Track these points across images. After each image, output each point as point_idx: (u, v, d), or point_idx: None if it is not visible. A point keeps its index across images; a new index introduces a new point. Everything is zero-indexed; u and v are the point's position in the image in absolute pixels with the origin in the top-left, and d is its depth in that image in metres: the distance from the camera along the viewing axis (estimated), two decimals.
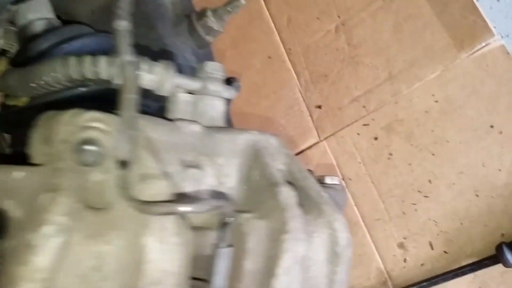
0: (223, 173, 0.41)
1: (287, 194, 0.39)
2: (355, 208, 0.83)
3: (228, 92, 0.47)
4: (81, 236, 0.29)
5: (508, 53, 0.73)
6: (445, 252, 0.75)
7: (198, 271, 0.36)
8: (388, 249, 0.79)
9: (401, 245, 0.79)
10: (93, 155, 0.31)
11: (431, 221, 0.76)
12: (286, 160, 0.45)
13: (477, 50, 0.75)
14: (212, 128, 0.45)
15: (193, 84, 0.44)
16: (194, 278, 0.36)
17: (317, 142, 0.87)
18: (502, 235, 0.71)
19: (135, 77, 0.36)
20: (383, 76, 0.82)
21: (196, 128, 0.43)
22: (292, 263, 0.36)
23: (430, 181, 0.77)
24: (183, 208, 0.31)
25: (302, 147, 0.88)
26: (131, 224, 0.31)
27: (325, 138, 0.86)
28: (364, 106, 0.83)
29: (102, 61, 0.36)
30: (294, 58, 0.91)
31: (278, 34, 0.93)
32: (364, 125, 0.83)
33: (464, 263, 0.72)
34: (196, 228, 0.37)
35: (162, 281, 0.30)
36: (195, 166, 0.39)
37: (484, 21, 0.74)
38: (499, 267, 0.70)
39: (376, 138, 0.82)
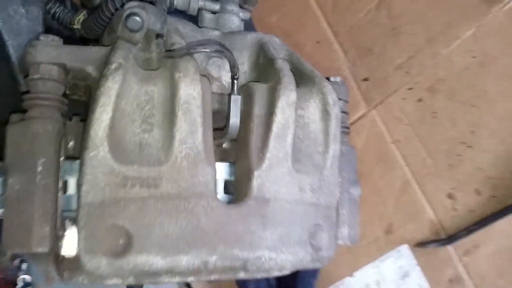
0: (238, 62, 0.57)
1: (282, 63, 0.56)
2: (406, 168, 0.94)
3: (242, 13, 0.66)
4: (136, 79, 0.47)
5: None
6: (492, 196, 0.84)
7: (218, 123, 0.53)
8: (438, 201, 0.90)
9: (450, 196, 0.88)
10: (136, 23, 0.49)
11: (477, 169, 0.86)
12: (286, 53, 0.61)
13: (507, 3, 0.85)
14: (228, 32, 0.63)
15: (214, 5, 0.63)
16: (215, 129, 0.53)
17: (366, 112, 1.00)
18: None
19: None
20: (422, 41, 0.94)
21: (216, 32, 0.62)
22: (286, 105, 0.52)
23: (473, 132, 0.87)
24: (195, 49, 0.48)
25: (353, 119, 1.01)
26: (167, 71, 0.48)
27: (374, 107, 0.99)
28: (407, 72, 0.95)
29: None
30: (341, 38, 1.06)
31: (325, 19, 1.09)
32: (409, 89, 0.95)
33: None
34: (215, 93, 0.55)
35: (189, 100, 0.47)
36: (217, 56, 0.56)
37: None
38: None
39: (420, 100, 0.94)
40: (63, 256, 0.45)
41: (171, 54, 0.49)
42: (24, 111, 0.47)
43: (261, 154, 0.51)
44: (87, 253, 0.43)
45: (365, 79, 1.01)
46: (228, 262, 0.47)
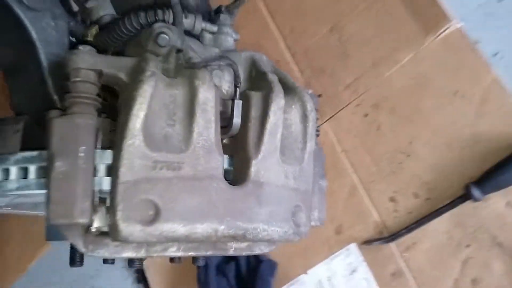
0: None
1: (272, 76, 0.66)
2: (353, 174, 1.06)
3: (234, 34, 0.77)
4: (163, 84, 0.55)
5: (464, 34, 0.98)
6: (427, 199, 0.97)
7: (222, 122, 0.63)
8: (382, 204, 1.01)
9: (392, 199, 1.01)
10: (165, 40, 0.59)
11: (414, 176, 0.98)
12: (272, 68, 0.72)
13: (440, 34, 0.99)
14: (225, 50, 0.73)
15: (213, 27, 0.74)
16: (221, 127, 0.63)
17: (320, 125, 1.11)
18: (471, 177, 0.92)
19: (180, 11, 0.65)
20: (368, 63, 1.07)
21: (216, 50, 0.72)
22: (277, 109, 0.62)
23: (411, 143, 1.00)
24: (213, 62, 0.59)
25: None
26: (187, 78, 0.57)
27: (326, 120, 1.11)
28: (355, 90, 1.08)
29: (159, 11, 0.66)
30: (298, 59, 1.17)
31: (284, 41, 1.20)
32: (357, 105, 1.08)
33: None
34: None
35: (206, 102, 0.56)
36: (218, 69, 0.66)
37: (444, 11, 0.99)
38: (470, 204, 0.91)
39: (366, 115, 1.06)
40: (90, 231, 0.53)
41: (191, 66, 0.58)
42: (56, 107, 0.56)
43: (257, 147, 0.61)
44: (124, 221, 0.50)
45: (319, 96, 1.12)
46: (232, 231, 0.56)
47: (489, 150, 0.93)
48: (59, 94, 0.59)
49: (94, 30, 0.68)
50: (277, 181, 0.62)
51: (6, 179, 0.53)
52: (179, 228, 0.53)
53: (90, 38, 0.68)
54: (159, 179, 0.53)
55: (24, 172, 0.54)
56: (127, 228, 0.50)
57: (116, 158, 0.52)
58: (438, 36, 0.99)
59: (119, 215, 0.51)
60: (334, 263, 1.05)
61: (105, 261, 0.71)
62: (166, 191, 0.53)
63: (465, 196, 0.91)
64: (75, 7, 0.69)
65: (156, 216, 0.52)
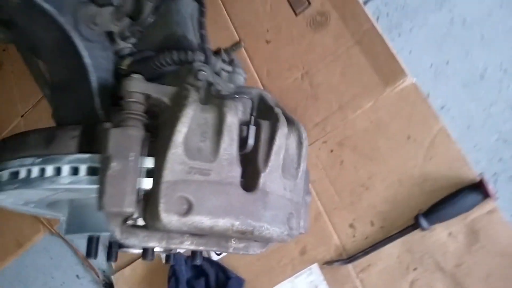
0: (247, 107, 0.80)
1: (278, 109, 0.78)
2: (318, 202, 1.19)
3: (243, 73, 0.91)
4: (200, 109, 0.67)
5: (417, 88, 1.15)
6: (382, 227, 1.11)
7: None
8: (342, 229, 1.15)
9: (351, 225, 1.14)
10: (203, 75, 0.71)
11: (371, 206, 1.13)
12: (276, 103, 0.85)
13: (397, 86, 1.16)
14: (238, 86, 0.86)
15: (228, 68, 0.88)
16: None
17: None
18: (420, 210, 1.08)
19: (211, 54, 0.77)
20: (335, 107, 1.22)
21: (231, 85, 0.84)
22: (281, 135, 0.74)
23: (369, 178, 1.15)
24: (238, 96, 0.71)
25: None
26: (216, 106, 0.69)
27: None
28: (322, 129, 1.22)
29: (189, 52, 0.79)
30: None
31: (260, 82, 1.35)
32: (323, 142, 1.22)
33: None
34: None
35: (231, 125, 0.67)
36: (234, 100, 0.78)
37: (401, 67, 1.16)
38: (418, 232, 1.06)
39: (332, 151, 1.21)
40: (125, 222, 0.63)
41: (221, 97, 0.71)
42: (101, 121, 0.67)
43: (265, 163, 0.73)
44: (165, 212, 0.61)
45: None
46: (244, 227, 0.67)
47: (435, 187, 1.08)
48: (104, 110, 0.69)
49: (128, 60, 0.79)
50: (278, 191, 0.74)
51: (58, 175, 0.63)
52: (206, 221, 0.64)
53: (124, 67, 0.79)
54: (193, 181, 0.64)
55: (74, 171, 0.64)
56: (167, 217, 0.61)
57: (160, 163, 0.63)
58: (395, 88, 1.16)
59: (161, 206, 0.61)
60: (298, 282, 1.16)
61: (109, 258, 0.80)
62: (197, 191, 0.64)
63: (414, 226, 1.06)
64: (118, 40, 0.80)
65: (189, 209, 0.63)
